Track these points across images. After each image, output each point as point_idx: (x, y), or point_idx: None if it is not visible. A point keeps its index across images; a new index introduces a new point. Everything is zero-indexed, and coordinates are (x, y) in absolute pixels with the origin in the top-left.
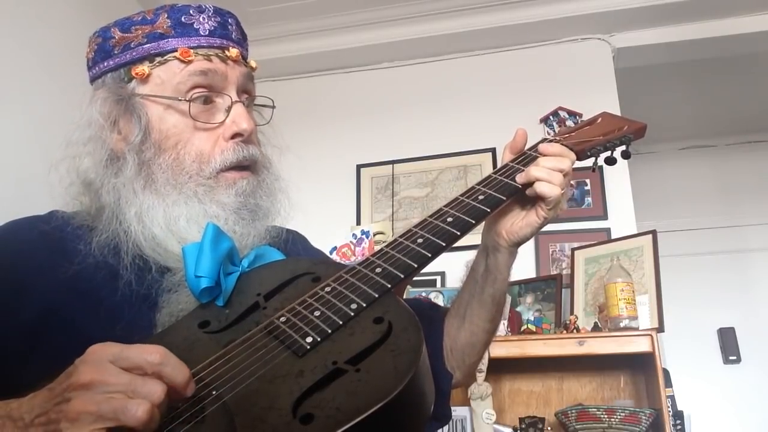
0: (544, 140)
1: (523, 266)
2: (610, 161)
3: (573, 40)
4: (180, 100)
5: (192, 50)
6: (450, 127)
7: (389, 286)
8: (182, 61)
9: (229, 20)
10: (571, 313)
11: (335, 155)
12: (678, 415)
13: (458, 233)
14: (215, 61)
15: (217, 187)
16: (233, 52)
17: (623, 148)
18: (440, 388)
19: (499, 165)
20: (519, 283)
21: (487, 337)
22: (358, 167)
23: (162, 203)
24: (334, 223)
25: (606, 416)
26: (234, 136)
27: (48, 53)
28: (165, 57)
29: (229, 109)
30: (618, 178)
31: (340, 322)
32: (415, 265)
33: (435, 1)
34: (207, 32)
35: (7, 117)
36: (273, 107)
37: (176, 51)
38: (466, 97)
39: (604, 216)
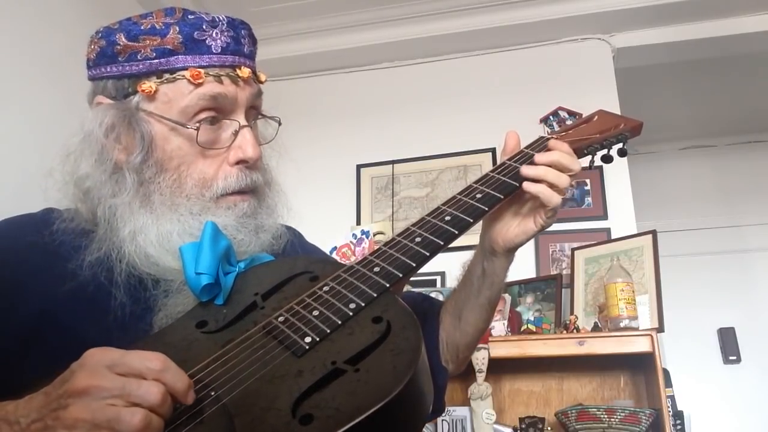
0: (540, 138)
1: (523, 266)
2: (607, 159)
3: (573, 40)
4: (188, 128)
5: (203, 70)
6: (450, 127)
7: (388, 285)
8: (192, 83)
9: (242, 32)
10: (571, 313)
11: (335, 155)
12: (678, 415)
13: (456, 232)
14: (226, 82)
15: (216, 209)
16: (245, 72)
17: (620, 145)
18: (436, 383)
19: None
20: (519, 283)
21: (481, 334)
22: (358, 167)
23: (155, 222)
24: (334, 223)
25: (606, 416)
26: (239, 162)
27: (48, 53)
28: (174, 75)
29: (236, 133)
30: (618, 178)
31: (339, 322)
32: (414, 264)
33: (435, 1)
34: (219, 49)
35: (6, 117)
36: (279, 124)
37: (186, 70)
38: (466, 97)
39: (604, 216)
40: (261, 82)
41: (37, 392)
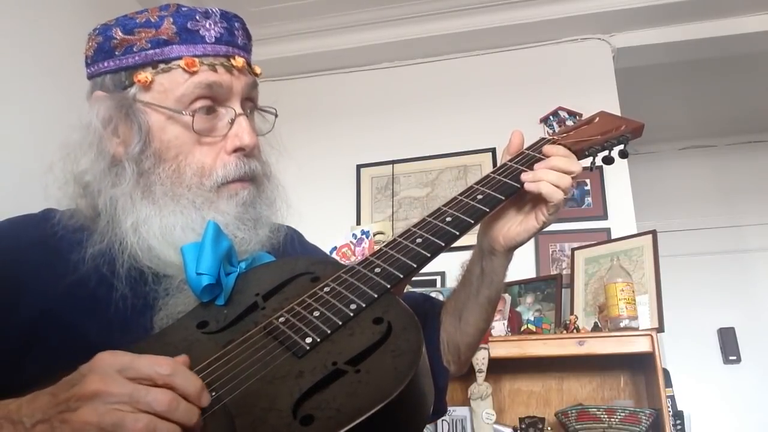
0: (542, 139)
1: (523, 266)
2: (608, 161)
3: (573, 40)
4: (183, 114)
5: (197, 59)
6: (450, 127)
7: (388, 286)
8: (186, 71)
9: (236, 24)
10: (571, 313)
11: (335, 155)
12: (678, 415)
13: (457, 233)
14: (221, 71)
15: (218, 200)
16: (239, 61)
17: (621, 147)
18: (437, 384)
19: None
20: (519, 283)
21: (482, 334)
22: (358, 167)
23: (158, 213)
24: (334, 223)
25: (606, 416)
26: (236, 150)
27: (47, 53)
28: (169, 65)
29: (232, 121)
30: (618, 178)
31: (340, 323)
32: (415, 265)
33: (435, 1)
34: (213, 39)
35: (6, 117)
36: (275, 115)
37: (181, 59)
38: (466, 97)
39: (604, 216)
40: (256, 75)
41: (41, 392)
